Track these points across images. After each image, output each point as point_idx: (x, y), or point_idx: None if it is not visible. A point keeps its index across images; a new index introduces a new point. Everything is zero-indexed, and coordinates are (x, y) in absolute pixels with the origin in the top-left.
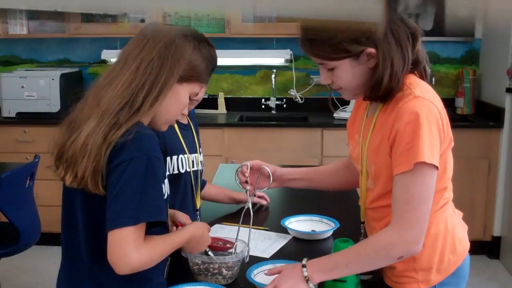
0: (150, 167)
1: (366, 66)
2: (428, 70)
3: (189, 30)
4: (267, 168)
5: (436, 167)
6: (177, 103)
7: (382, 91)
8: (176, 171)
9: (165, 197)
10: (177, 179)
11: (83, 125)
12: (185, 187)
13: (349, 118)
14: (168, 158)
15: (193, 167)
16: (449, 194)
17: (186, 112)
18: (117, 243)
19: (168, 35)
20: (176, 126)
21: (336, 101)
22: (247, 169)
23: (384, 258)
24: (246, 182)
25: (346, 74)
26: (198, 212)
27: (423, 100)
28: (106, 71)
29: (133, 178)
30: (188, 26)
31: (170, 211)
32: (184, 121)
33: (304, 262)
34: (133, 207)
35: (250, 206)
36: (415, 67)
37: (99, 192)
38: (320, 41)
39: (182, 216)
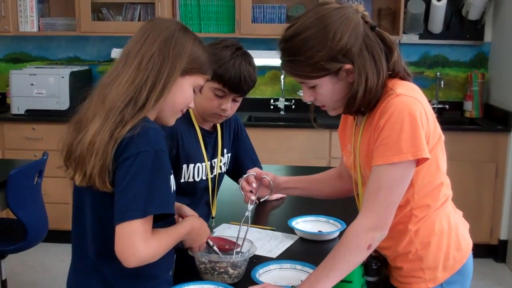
0: (157, 161)
1: (346, 81)
2: (411, 75)
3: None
4: (268, 178)
5: (423, 159)
6: (181, 96)
7: (356, 105)
8: (191, 179)
9: (171, 191)
10: (191, 187)
11: (89, 124)
12: (200, 195)
13: (339, 128)
14: (185, 166)
15: (211, 173)
16: (448, 191)
17: (192, 105)
18: (125, 235)
19: (167, 29)
20: (199, 134)
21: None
22: (254, 179)
23: (356, 252)
24: (250, 191)
25: (328, 90)
26: (213, 220)
27: (405, 97)
28: (110, 70)
29: (140, 171)
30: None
31: (176, 204)
32: (209, 127)
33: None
34: (141, 200)
35: (249, 215)
36: (395, 76)
37: (106, 189)
38: (299, 62)
39: (188, 211)
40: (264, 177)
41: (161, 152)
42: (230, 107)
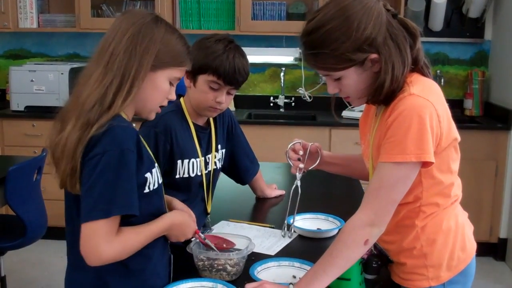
0: (123, 160)
1: (371, 71)
2: (429, 67)
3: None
4: (316, 144)
5: (428, 163)
6: (155, 91)
7: (383, 95)
8: (186, 175)
9: (156, 187)
10: (187, 183)
11: (67, 124)
12: (195, 191)
13: (361, 117)
14: (179, 161)
15: (206, 168)
16: (458, 192)
17: (173, 97)
18: (88, 236)
19: (135, 24)
20: (193, 130)
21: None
22: (300, 147)
23: (353, 246)
24: (298, 159)
25: (353, 81)
26: (208, 216)
27: (417, 97)
28: (86, 66)
29: (106, 171)
30: None
31: (167, 197)
32: (203, 123)
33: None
34: (105, 200)
35: (299, 184)
36: (415, 66)
37: (76, 192)
38: (324, 55)
39: (178, 204)
40: (312, 144)
41: (127, 151)
42: (225, 99)
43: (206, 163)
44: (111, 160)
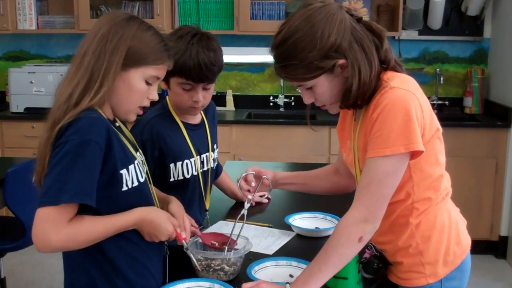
0: (80, 150)
1: (342, 76)
2: (402, 65)
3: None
4: (268, 179)
5: (417, 152)
6: (129, 91)
7: (352, 98)
8: (181, 177)
9: (136, 185)
10: (182, 184)
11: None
12: (193, 191)
13: (337, 125)
14: (172, 165)
15: (202, 167)
16: (448, 185)
17: (154, 97)
18: (37, 221)
19: (108, 23)
20: (183, 129)
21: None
22: (253, 178)
23: (347, 244)
24: (248, 190)
25: (325, 89)
26: (207, 213)
27: (400, 90)
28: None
29: (63, 159)
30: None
31: (167, 196)
32: (194, 121)
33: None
34: (56, 187)
35: (245, 213)
36: (387, 65)
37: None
38: (293, 66)
39: (175, 206)
40: (264, 178)
41: (89, 141)
42: (202, 97)
43: (202, 162)
44: (70, 149)
